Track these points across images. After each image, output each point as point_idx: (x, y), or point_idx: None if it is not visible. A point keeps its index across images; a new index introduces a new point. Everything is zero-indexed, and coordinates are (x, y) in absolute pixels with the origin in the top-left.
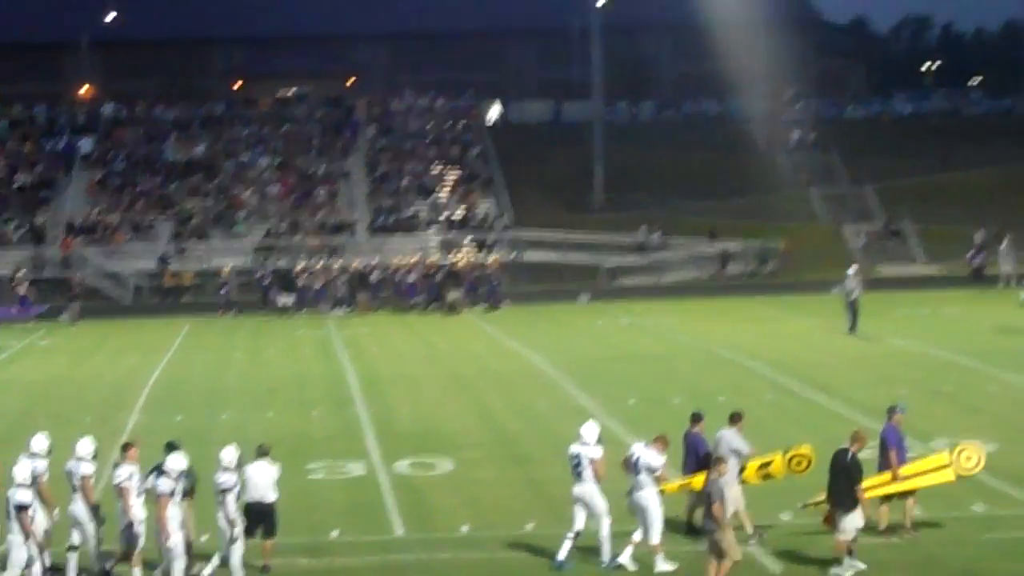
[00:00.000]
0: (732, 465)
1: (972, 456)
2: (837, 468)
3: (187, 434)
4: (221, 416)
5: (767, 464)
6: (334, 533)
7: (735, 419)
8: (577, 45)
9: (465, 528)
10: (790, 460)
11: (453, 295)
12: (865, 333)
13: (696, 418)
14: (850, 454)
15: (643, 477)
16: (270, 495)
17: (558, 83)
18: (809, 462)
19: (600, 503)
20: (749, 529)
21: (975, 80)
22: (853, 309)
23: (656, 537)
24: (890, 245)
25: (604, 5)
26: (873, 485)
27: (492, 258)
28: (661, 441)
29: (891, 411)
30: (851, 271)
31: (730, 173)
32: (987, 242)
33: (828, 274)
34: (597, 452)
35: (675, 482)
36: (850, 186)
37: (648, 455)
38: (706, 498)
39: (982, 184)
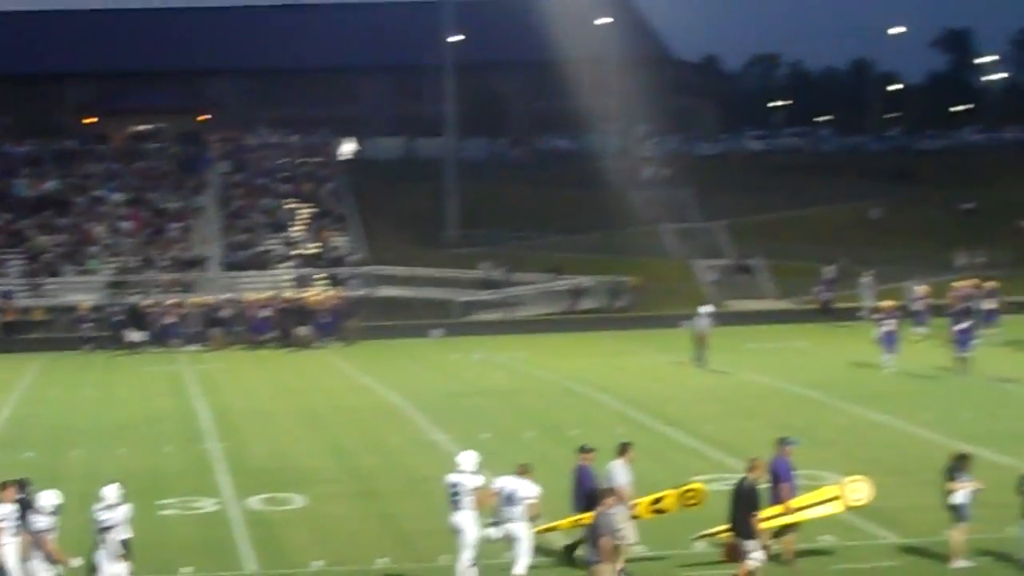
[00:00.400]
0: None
1: (859, 489)
2: (736, 496)
3: (37, 472)
4: (72, 453)
5: (659, 499)
6: (186, 570)
7: (623, 450)
8: (431, 82)
9: (318, 563)
10: (682, 495)
11: (303, 330)
12: (715, 367)
13: (585, 450)
14: (748, 482)
15: (516, 509)
16: (122, 533)
17: (412, 120)
18: (701, 497)
19: (471, 534)
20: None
21: (824, 118)
22: (701, 344)
23: (523, 568)
24: (740, 280)
25: (456, 42)
26: (766, 517)
27: (329, 293)
28: (526, 469)
29: (781, 443)
30: (703, 309)
31: (583, 209)
32: (836, 278)
33: (679, 309)
34: (476, 481)
35: (565, 520)
36: (701, 222)
37: (522, 486)
38: (593, 530)
39: (831, 220)
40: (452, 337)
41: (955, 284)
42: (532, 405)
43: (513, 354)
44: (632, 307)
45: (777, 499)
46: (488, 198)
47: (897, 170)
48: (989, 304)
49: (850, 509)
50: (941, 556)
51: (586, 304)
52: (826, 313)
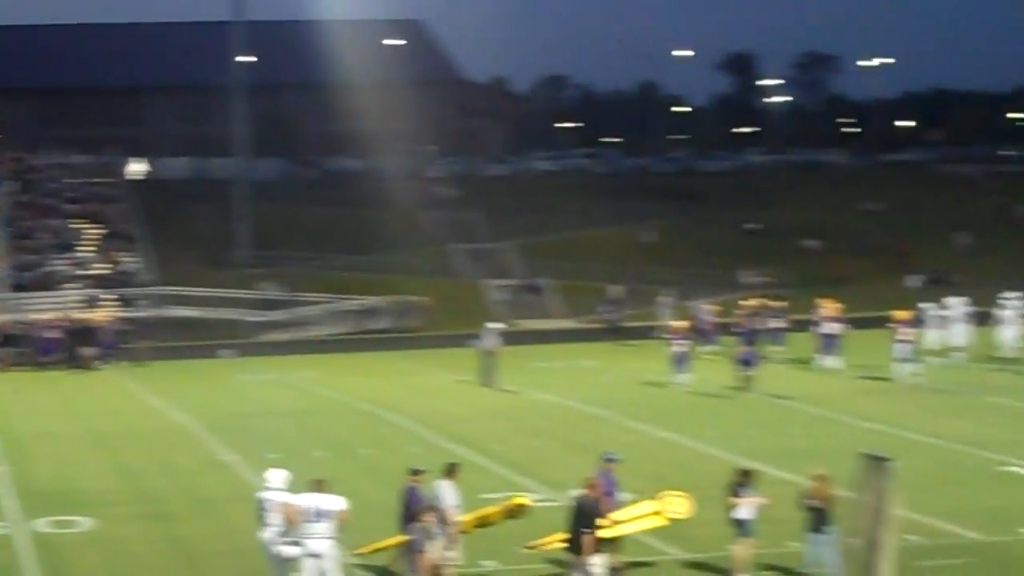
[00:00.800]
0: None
1: (678, 503)
2: (576, 515)
3: None
4: None
5: (483, 517)
6: None
7: (451, 471)
8: (221, 102)
9: None
10: (507, 509)
11: (88, 351)
12: (504, 386)
13: (415, 472)
14: (587, 499)
15: (323, 525)
16: None
17: (203, 140)
18: (524, 511)
19: (283, 550)
20: None
21: (611, 139)
22: (489, 362)
23: None
24: (530, 300)
25: (246, 63)
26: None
27: (115, 313)
28: (322, 484)
29: (605, 459)
30: (491, 326)
31: (374, 229)
32: (622, 298)
33: (469, 329)
34: (284, 497)
35: (391, 540)
36: (491, 243)
37: (327, 501)
38: (411, 548)
39: (618, 241)
40: (243, 358)
41: (744, 303)
42: (322, 425)
43: (303, 374)
44: (422, 327)
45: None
46: (279, 219)
47: (683, 191)
48: (776, 323)
49: (671, 522)
50: (725, 571)
51: (377, 324)
52: (613, 332)
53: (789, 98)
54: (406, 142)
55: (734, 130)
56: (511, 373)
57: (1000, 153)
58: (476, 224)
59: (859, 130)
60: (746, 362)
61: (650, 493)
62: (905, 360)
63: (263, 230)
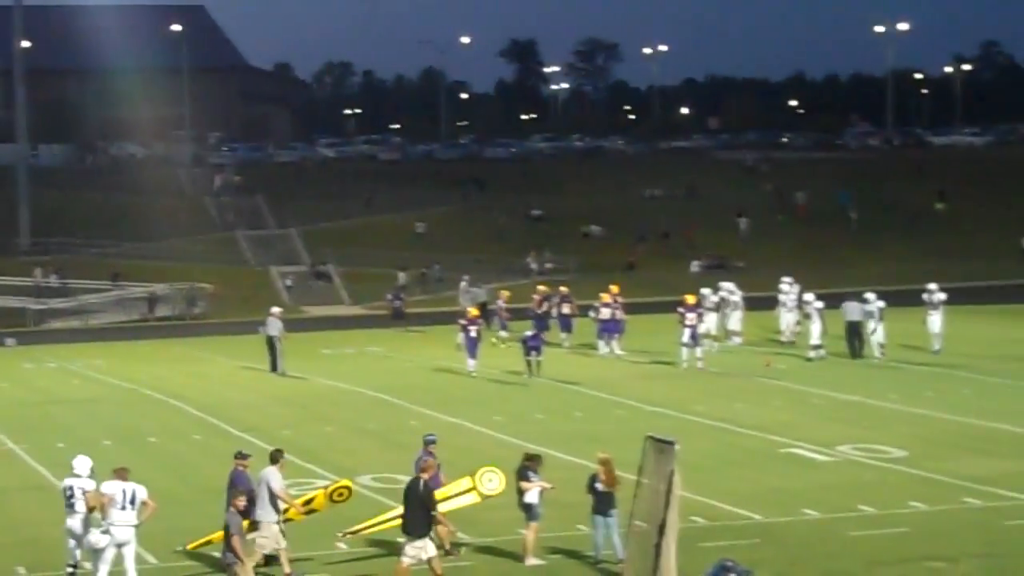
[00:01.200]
0: (266, 500)
1: (493, 479)
2: (412, 497)
3: None
4: None
5: (310, 500)
6: None
7: (276, 457)
8: (1, 88)
9: None
10: (332, 493)
11: None
12: (291, 373)
13: (241, 456)
14: (422, 483)
15: (129, 514)
16: None
17: None
18: (350, 493)
19: (91, 539)
20: (287, 568)
21: (396, 125)
22: (274, 349)
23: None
24: (316, 287)
25: (26, 48)
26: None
27: None
28: (124, 473)
29: (425, 440)
30: (273, 310)
31: (157, 216)
32: (407, 284)
33: (256, 315)
34: (90, 484)
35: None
36: (276, 229)
37: (133, 489)
38: (225, 531)
39: (403, 227)
40: (25, 346)
41: (539, 288)
42: (109, 413)
43: (88, 362)
44: (208, 314)
45: None
46: (61, 205)
47: (468, 177)
48: (566, 309)
49: (486, 499)
50: (514, 555)
51: (162, 311)
52: (398, 318)
53: (572, 85)
54: (190, 128)
55: (518, 116)
56: (298, 360)
57: (777, 140)
58: (261, 210)
59: (641, 117)
60: (534, 348)
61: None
62: (689, 344)
63: (46, 217)
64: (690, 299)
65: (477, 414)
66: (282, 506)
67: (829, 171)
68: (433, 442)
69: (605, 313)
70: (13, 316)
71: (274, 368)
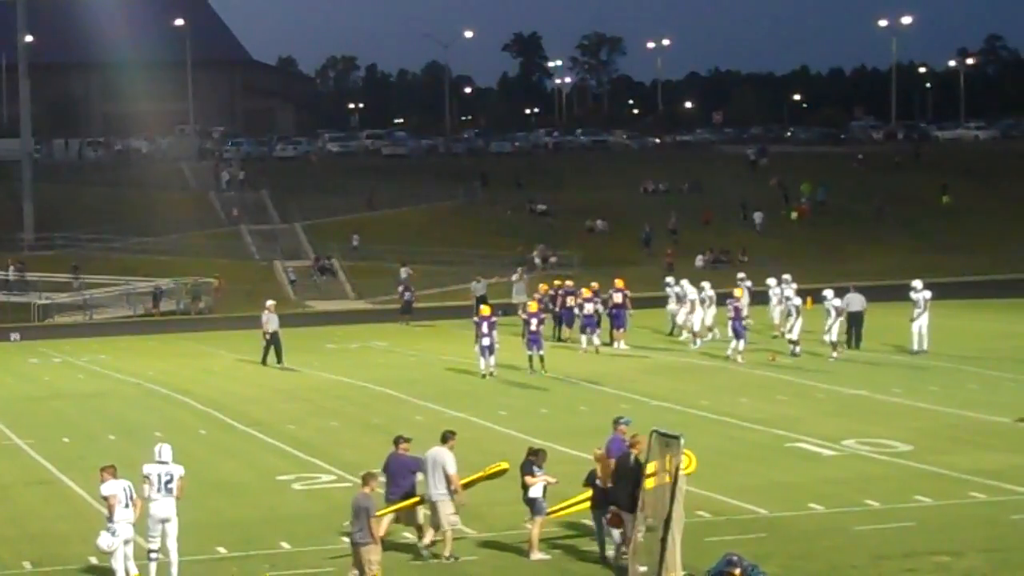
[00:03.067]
0: (440, 481)
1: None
2: (623, 472)
3: None
4: None
5: (470, 484)
6: None
7: (447, 438)
8: (4, 82)
9: None
10: (491, 474)
11: None
12: (292, 366)
13: (402, 440)
14: (633, 457)
15: (131, 512)
16: None
17: None
18: (504, 472)
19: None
20: (448, 550)
21: (400, 120)
22: (274, 343)
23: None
24: (321, 281)
25: (30, 43)
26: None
27: None
28: (115, 469)
29: (616, 422)
30: (269, 304)
31: (163, 211)
32: (411, 278)
33: (260, 310)
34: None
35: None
36: (280, 224)
37: (128, 486)
38: (356, 513)
39: (408, 222)
40: (31, 341)
41: (556, 283)
42: (114, 408)
43: (93, 357)
44: (213, 309)
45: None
46: (66, 200)
47: (472, 171)
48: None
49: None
50: (520, 549)
51: (167, 306)
52: (407, 312)
53: (575, 79)
54: (194, 123)
55: (522, 111)
56: (303, 355)
57: (781, 134)
58: (265, 205)
59: (644, 111)
60: (534, 342)
61: None
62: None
63: (50, 212)
64: (737, 293)
65: (479, 408)
66: (451, 487)
67: (832, 165)
68: (627, 423)
69: (588, 308)
70: (18, 311)
71: (266, 360)
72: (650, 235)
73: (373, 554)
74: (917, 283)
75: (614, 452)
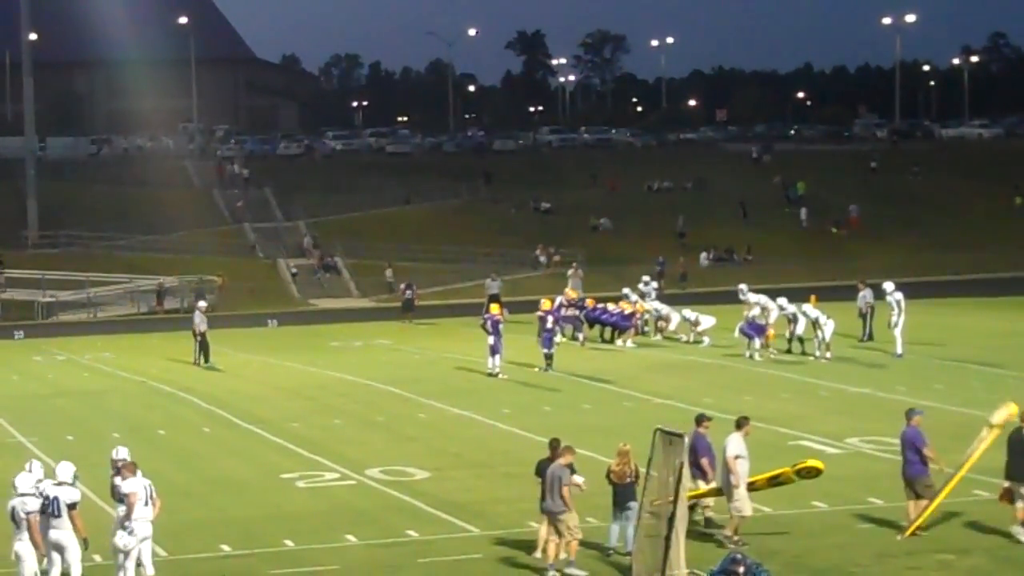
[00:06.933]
0: (742, 467)
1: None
2: (1018, 447)
3: None
4: None
5: (776, 476)
6: None
7: (741, 424)
8: (8, 80)
9: None
10: (799, 472)
11: None
12: (298, 365)
13: (700, 420)
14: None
15: (149, 509)
16: None
17: None
18: (819, 472)
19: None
20: (729, 530)
21: (403, 118)
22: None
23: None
24: (325, 279)
25: (34, 41)
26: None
27: None
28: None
29: (909, 414)
30: (200, 304)
31: (166, 208)
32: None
33: (264, 308)
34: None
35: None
36: (284, 221)
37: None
38: (551, 483)
39: (411, 220)
40: (35, 338)
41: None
42: (118, 406)
43: (97, 354)
44: (217, 306)
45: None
46: (70, 198)
47: (476, 170)
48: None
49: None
50: (525, 547)
51: (170, 304)
52: (407, 311)
53: (579, 77)
54: (198, 121)
55: (525, 109)
56: (307, 352)
57: (785, 132)
58: (269, 203)
59: (648, 109)
60: (546, 340)
61: (445, 470)
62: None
63: (54, 210)
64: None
65: (484, 406)
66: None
67: (836, 163)
68: (913, 414)
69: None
70: (22, 309)
71: (206, 360)
72: (683, 228)
73: (571, 520)
74: (888, 285)
75: (918, 443)
